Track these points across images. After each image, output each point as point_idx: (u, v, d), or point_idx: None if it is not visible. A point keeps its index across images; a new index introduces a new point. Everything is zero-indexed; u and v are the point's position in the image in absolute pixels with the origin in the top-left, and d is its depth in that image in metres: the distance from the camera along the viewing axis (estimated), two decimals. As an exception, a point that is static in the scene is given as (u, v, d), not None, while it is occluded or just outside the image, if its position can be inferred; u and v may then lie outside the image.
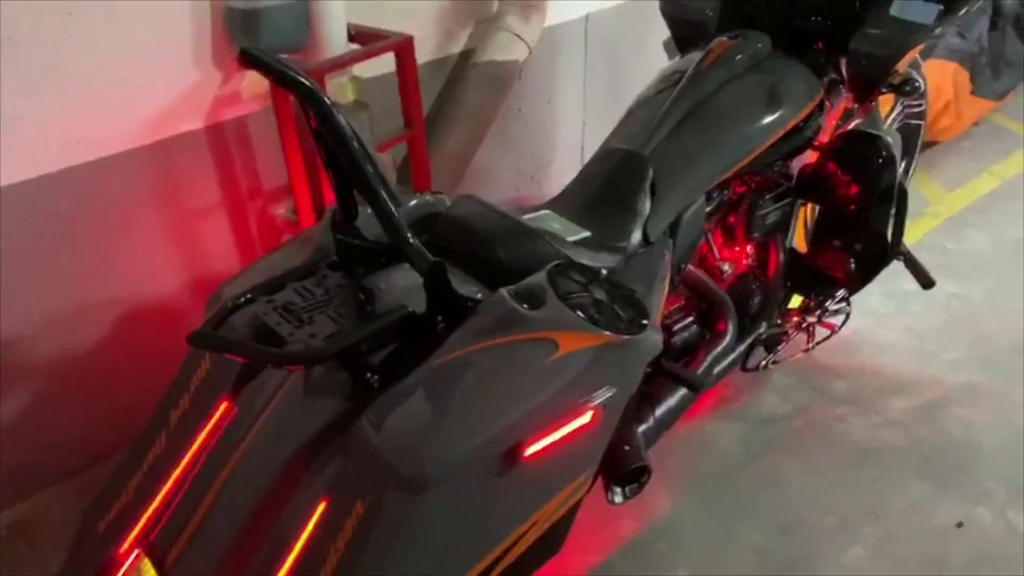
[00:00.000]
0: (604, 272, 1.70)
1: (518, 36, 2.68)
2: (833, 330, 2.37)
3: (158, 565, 1.55)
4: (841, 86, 2.21)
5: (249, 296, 1.62)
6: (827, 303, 2.36)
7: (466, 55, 2.75)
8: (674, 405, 2.00)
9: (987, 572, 1.90)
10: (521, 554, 1.58)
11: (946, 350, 2.60)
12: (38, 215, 2.00)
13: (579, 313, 1.50)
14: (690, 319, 2.15)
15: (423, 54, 2.58)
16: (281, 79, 1.44)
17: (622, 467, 1.82)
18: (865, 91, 2.14)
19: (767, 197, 2.17)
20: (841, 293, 2.36)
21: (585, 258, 1.73)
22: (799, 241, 2.48)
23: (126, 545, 1.66)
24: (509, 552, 1.55)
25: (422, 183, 2.43)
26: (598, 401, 1.53)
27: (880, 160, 2.15)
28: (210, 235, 2.34)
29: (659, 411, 1.98)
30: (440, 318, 1.56)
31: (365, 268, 1.70)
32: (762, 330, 2.28)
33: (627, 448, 1.85)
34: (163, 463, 1.72)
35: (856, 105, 2.22)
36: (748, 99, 2.07)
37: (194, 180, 2.26)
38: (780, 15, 2.25)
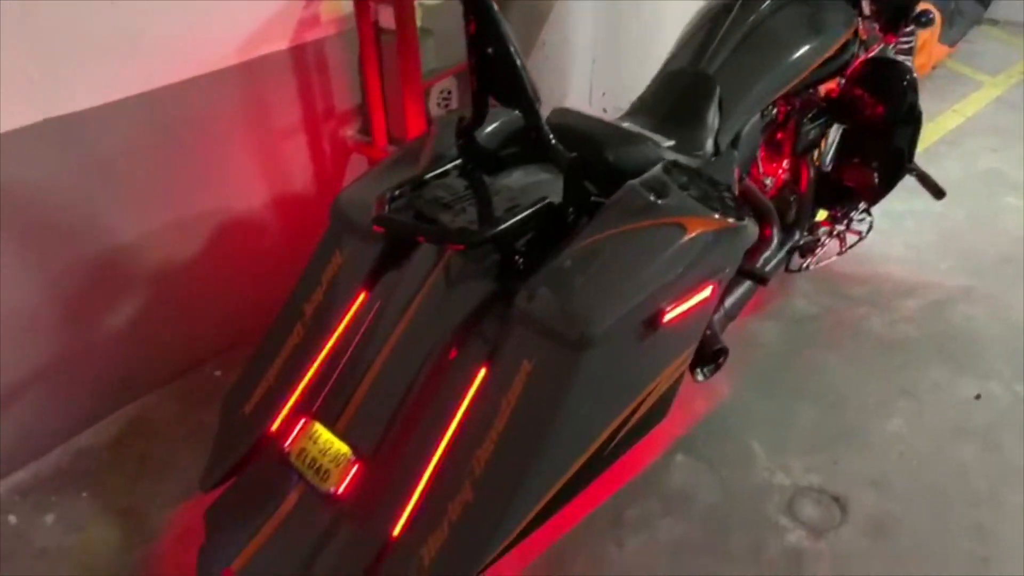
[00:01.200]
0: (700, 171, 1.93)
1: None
2: (861, 236, 2.65)
3: (331, 429, 1.70)
4: (870, 17, 2.48)
5: (401, 190, 1.76)
6: (851, 213, 2.64)
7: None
8: (740, 296, 2.25)
9: (1005, 432, 2.23)
10: (641, 416, 1.81)
11: (941, 260, 2.94)
12: (151, 126, 2.08)
13: (700, 202, 1.72)
14: None
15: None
16: None
17: (705, 349, 2.06)
18: (894, 21, 2.41)
19: (811, 115, 2.42)
20: (862, 205, 2.65)
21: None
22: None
23: (278, 422, 1.81)
24: (637, 411, 1.77)
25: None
26: (716, 278, 1.76)
27: (904, 84, 2.43)
28: (288, 153, 2.45)
29: (728, 302, 2.22)
30: (572, 210, 1.76)
31: (488, 171, 1.87)
32: (798, 237, 2.55)
33: (708, 332, 2.09)
34: (305, 349, 1.87)
35: (882, 34, 2.49)
36: (796, 26, 2.31)
37: (275, 100, 2.36)
38: None
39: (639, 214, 1.70)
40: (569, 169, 1.72)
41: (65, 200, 1.98)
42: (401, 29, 2.25)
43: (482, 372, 1.65)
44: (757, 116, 2.26)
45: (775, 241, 2.40)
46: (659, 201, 1.70)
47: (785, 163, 2.56)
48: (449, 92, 2.61)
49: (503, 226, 1.63)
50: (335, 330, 1.86)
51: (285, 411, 1.83)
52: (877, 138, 2.54)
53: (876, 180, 2.58)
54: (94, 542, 1.92)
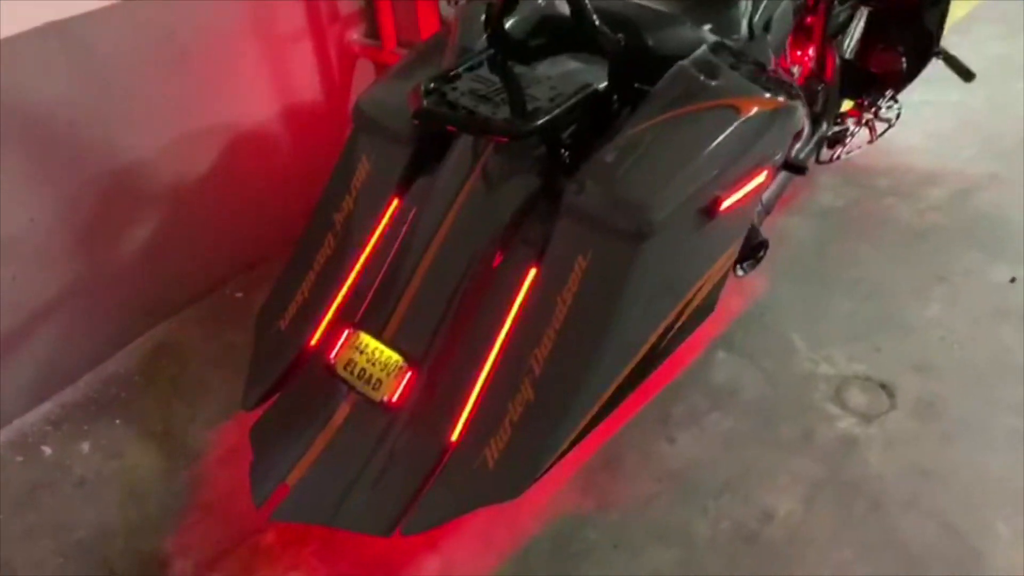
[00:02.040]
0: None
1: None
2: (890, 124, 2.59)
3: (378, 337, 1.64)
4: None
5: (435, 84, 1.66)
6: (879, 101, 2.57)
7: None
8: (777, 189, 2.19)
9: (1043, 313, 2.22)
10: (693, 310, 1.77)
11: (962, 148, 2.89)
12: (154, 31, 1.95)
13: (751, 82, 1.64)
14: None
15: None
16: None
17: (745, 243, 2.01)
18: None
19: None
20: (889, 92, 2.57)
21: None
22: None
23: (317, 335, 1.75)
24: (690, 304, 1.73)
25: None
26: (770, 162, 1.70)
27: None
28: (294, 60, 2.33)
29: (766, 195, 2.16)
30: (616, 98, 1.68)
31: (520, 61, 1.77)
32: (825, 128, 2.49)
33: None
34: (338, 261, 1.80)
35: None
36: None
37: (278, 3, 2.21)
38: None
39: (690, 97, 1.62)
40: (616, 52, 1.63)
41: (71, 114, 1.86)
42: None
43: (532, 272, 1.60)
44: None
45: (805, 132, 2.33)
46: (711, 82, 1.62)
47: (810, 51, 2.47)
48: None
49: (552, 114, 1.55)
50: (369, 239, 1.79)
51: (324, 324, 1.77)
52: (904, 21, 2.45)
53: (903, 65, 2.50)
54: (136, 467, 1.87)
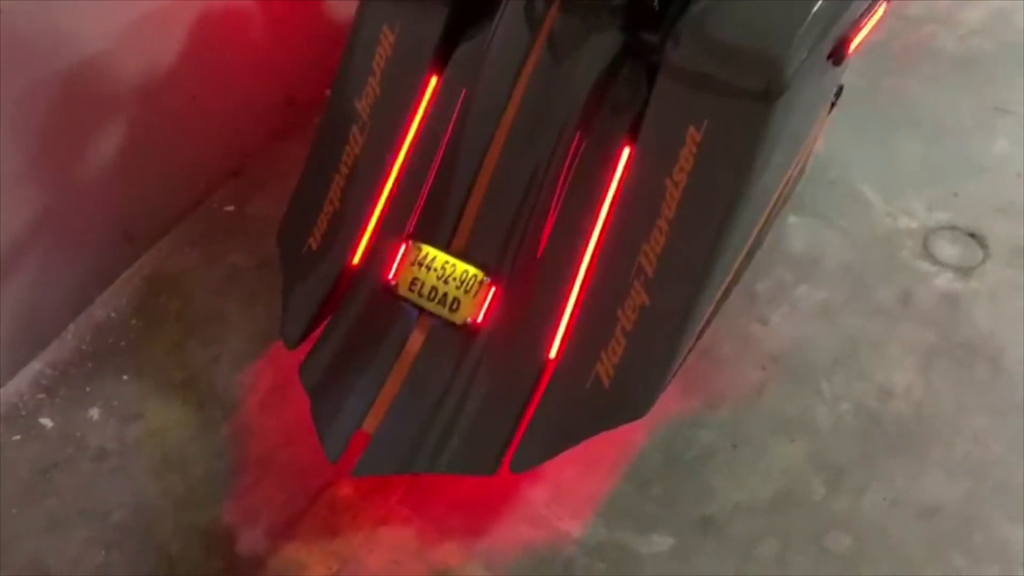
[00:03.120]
0: None
1: None
2: None
3: (447, 250, 1.37)
4: None
5: None
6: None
7: None
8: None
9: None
10: (800, 167, 1.54)
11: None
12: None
13: None
14: None
15: None
16: None
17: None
18: None
19: None
20: None
21: None
22: None
23: (360, 251, 1.47)
24: (801, 159, 1.51)
25: None
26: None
27: None
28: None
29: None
30: None
31: None
32: None
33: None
34: (372, 159, 1.50)
35: None
36: None
37: None
38: None
39: None
40: None
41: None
42: None
43: (626, 151, 1.33)
44: None
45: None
46: None
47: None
48: None
49: None
50: (407, 129, 1.48)
51: (367, 237, 1.48)
52: None
53: None
54: (163, 428, 1.57)
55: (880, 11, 1.41)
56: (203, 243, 1.89)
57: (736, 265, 1.41)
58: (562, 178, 1.38)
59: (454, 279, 1.37)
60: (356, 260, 1.48)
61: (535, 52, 1.37)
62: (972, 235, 1.86)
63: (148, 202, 1.84)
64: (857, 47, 1.38)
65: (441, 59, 1.47)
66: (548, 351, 1.36)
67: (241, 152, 2.00)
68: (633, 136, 1.33)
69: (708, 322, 1.43)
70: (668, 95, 1.30)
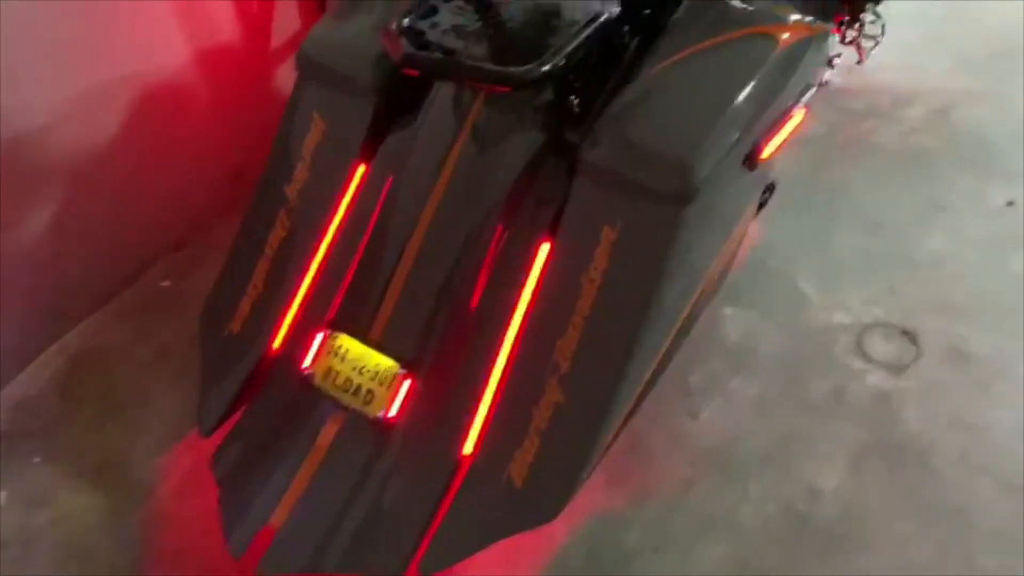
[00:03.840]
0: None
1: None
2: (877, 40, 2.39)
3: (364, 340, 1.35)
4: None
5: (412, 19, 1.34)
6: (860, 16, 2.37)
7: None
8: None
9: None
10: (722, 268, 1.55)
11: (934, 62, 2.73)
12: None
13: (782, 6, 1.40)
14: None
15: None
16: None
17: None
18: None
19: None
20: (869, 5, 2.37)
21: None
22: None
23: (279, 339, 1.44)
24: (722, 260, 1.51)
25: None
26: (807, 97, 1.47)
27: None
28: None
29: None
30: (627, 30, 1.40)
31: None
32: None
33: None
34: (296, 243, 1.49)
35: None
36: None
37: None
38: None
39: (719, 25, 1.37)
40: None
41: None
42: None
43: (544, 248, 1.33)
44: None
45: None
46: (740, 8, 1.36)
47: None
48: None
49: (565, 53, 1.26)
50: (332, 216, 1.48)
51: (287, 323, 1.46)
52: None
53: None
54: (70, 516, 1.52)
55: (798, 117, 1.44)
56: (135, 319, 1.86)
57: (656, 361, 1.40)
58: (483, 272, 1.37)
59: (368, 371, 1.35)
60: (276, 346, 1.46)
61: (458, 146, 1.38)
62: (905, 332, 1.87)
63: (80, 277, 1.81)
64: (773, 153, 1.40)
65: (369, 148, 1.48)
66: (462, 448, 1.33)
67: (185, 226, 2.00)
68: (553, 232, 1.33)
69: (630, 415, 1.41)
70: (585, 194, 1.31)
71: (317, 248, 1.47)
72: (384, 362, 1.34)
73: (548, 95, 1.36)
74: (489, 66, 1.24)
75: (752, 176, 1.44)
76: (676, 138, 1.26)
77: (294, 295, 1.47)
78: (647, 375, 1.38)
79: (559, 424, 1.28)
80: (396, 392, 1.33)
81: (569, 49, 1.26)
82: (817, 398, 1.74)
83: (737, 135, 1.30)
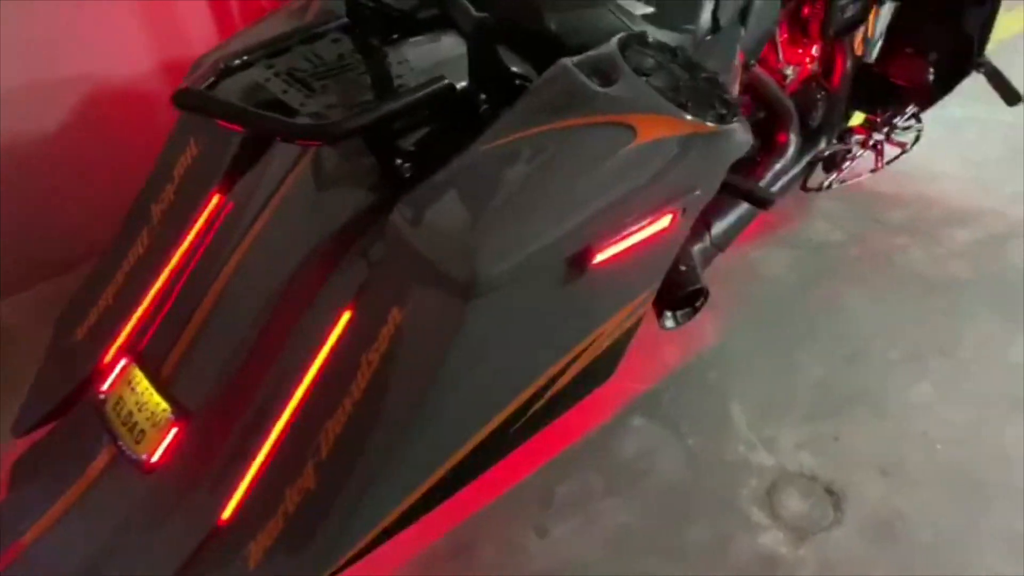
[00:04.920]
0: (685, 51, 1.40)
1: None
2: (904, 149, 2.09)
3: (152, 376, 1.29)
4: None
5: (246, 58, 1.28)
6: (896, 119, 2.07)
7: None
8: (734, 222, 1.75)
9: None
10: (576, 375, 1.36)
11: (1006, 183, 2.36)
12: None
13: (662, 94, 1.21)
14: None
15: None
16: None
17: (676, 289, 1.59)
18: None
19: None
20: (911, 109, 2.07)
21: (659, 35, 1.41)
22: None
23: (111, 354, 1.40)
24: (566, 371, 1.33)
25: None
26: (679, 203, 1.26)
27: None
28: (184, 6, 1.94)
29: (716, 229, 1.72)
30: (484, 96, 1.27)
31: (382, 37, 1.36)
32: (823, 146, 2.01)
33: (682, 268, 1.61)
34: (147, 263, 1.45)
35: None
36: None
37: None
38: None
39: (568, 107, 1.19)
40: (476, 35, 1.21)
41: None
42: None
43: (346, 316, 1.21)
44: None
45: (791, 150, 1.87)
46: (602, 89, 1.19)
47: (814, 49, 1.98)
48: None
49: (374, 116, 1.15)
50: (180, 243, 1.43)
51: (120, 341, 1.42)
52: (939, 22, 1.95)
53: (931, 77, 2.00)
54: None
55: (661, 223, 1.23)
56: (41, 311, 1.88)
57: (442, 465, 1.24)
58: (284, 329, 1.28)
59: (147, 409, 1.28)
60: (106, 363, 1.43)
61: (281, 193, 1.30)
62: (830, 492, 1.57)
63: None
64: (618, 258, 1.20)
65: (231, 180, 1.42)
66: (223, 511, 1.23)
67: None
68: (357, 301, 1.22)
69: (403, 523, 1.26)
70: (386, 267, 1.18)
71: (160, 272, 1.43)
72: (161, 403, 1.27)
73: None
74: (263, 114, 1.14)
75: (606, 278, 1.25)
76: (475, 224, 1.11)
77: (130, 316, 1.44)
78: (425, 479, 1.23)
79: (304, 512, 1.15)
80: (163, 438, 1.25)
81: (380, 112, 1.15)
82: (693, 545, 1.49)
83: (557, 233, 1.13)
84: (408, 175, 1.23)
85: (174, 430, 1.25)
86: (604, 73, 1.21)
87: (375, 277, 1.19)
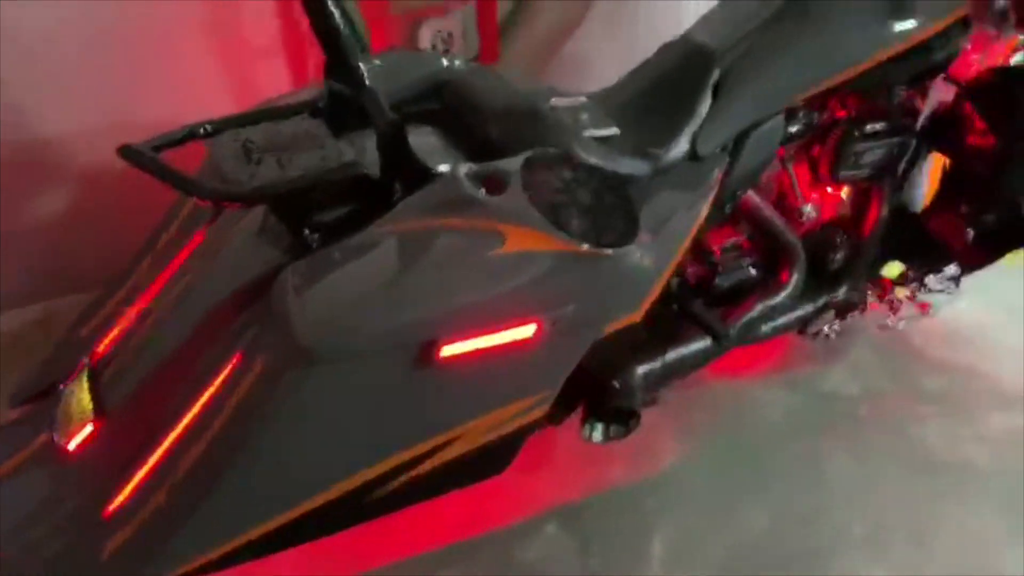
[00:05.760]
0: (615, 175, 1.44)
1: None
2: (925, 311, 1.93)
3: (92, 377, 1.50)
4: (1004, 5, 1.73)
5: (213, 126, 1.48)
6: (929, 277, 1.92)
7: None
8: (690, 353, 1.71)
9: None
10: (446, 464, 1.40)
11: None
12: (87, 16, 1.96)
13: (542, 210, 1.26)
14: (747, 260, 1.81)
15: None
16: None
17: (605, 402, 1.58)
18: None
19: (869, 129, 1.75)
20: (952, 270, 1.91)
21: (598, 156, 1.46)
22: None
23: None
24: (427, 458, 1.37)
25: (489, 53, 2.18)
26: (546, 314, 1.29)
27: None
28: (265, 79, 2.23)
29: (671, 355, 1.69)
30: (398, 186, 1.38)
31: (355, 123, 1.51)
32: (839, 293, 1.90)
33: (616, 384, 1.60)
34: (142, 282, 1.67)
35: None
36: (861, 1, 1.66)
37: (251, 11, 2.15)
38: None
39: (449, 208, 1.29)
40: (382, 135, 1.34)
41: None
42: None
43: (234, 360, 1.35)
44: (780, 116, 1.66)
45: (789, 290, 1.80)
46: (482, 196, 1.27)
47: (842, 191, 1.90)
48: (450, 34, 2.22)
49: (268, 189, 1.30)
50: (168, 270, 1.64)
51: (103, 345, 1.66)
52: (983, 179, 1.80)
53: (968, 237, 1.84)
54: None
55: (527, 331, 1.25)
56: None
57: (272, 518, 1.31)
58: (193, 360, 1.43)
59: (80, 405, 1.48)
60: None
61: (221, 238, 1.48)
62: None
63: (63, 267, 2.20)
64: (470, 356, 1.24)
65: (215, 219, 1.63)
66: (109, 506, 1.36)
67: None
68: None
69: (233, 557, 1.33)
70: (263, 322, 1.31)
71: (146, 291, 1.65)
72: (87, 398, 1.46)
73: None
74: (177, 175, 1.31)
75: (468, 375, 1.29)
76: (328, 298, 1.22)
77: (118, 325, 1.67)
78: (246, 526, 1.31)
79: (149, 525, 1.29)
80: (79, 430, 1.44)
81: (282, 186, 1.30)
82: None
83: (404, 319, 1.21)
84: (315, 246, 1.36)
85: (90, 427, 1.43)
86: (495, 183, 1.29)
87: (259, 330, 1.32)
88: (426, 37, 2.19)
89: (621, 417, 1.60)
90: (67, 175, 2.10)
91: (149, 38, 2.04)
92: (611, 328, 1.47)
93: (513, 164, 1.31)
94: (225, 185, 1.34)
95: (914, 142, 1.85)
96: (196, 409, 1.34)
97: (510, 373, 1.34)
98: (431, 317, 1.22)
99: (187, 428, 1.33)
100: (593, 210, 1.32)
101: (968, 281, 1.99)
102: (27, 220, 2.12)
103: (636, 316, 1.50)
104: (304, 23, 2.18)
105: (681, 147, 1.56)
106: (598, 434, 1.61)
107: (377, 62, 1.55)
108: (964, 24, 1.69)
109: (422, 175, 1.37)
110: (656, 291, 1.53)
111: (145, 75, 2.07)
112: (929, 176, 1.97)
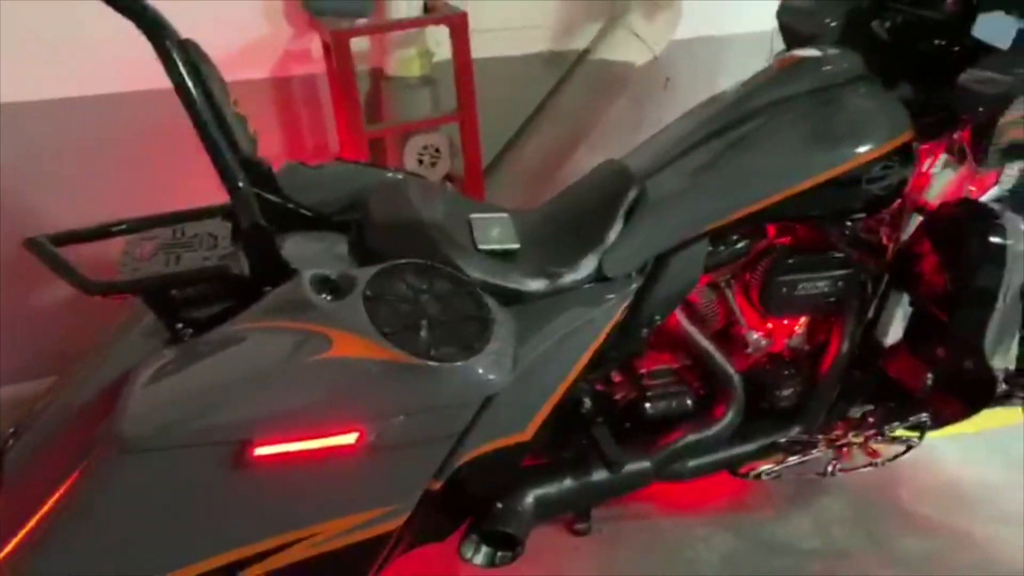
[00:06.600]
0: (504, 289, 1.46)
1: (637, 36, 2.37)
2: (873, 462, 1.73)
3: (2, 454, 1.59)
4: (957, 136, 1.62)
5: (128, 224, 1.58)
6: (888, 425, 1.73)
7: (586, 52, 2.50)
8: (589, 481, 1.62)
9: None
10: (289, 567, 1.38)
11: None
12: (101, 129, 2.19)
13: (378, 318, 1.27)
14: (677, 388, 1.72)
15: (539, 43, 2.43)
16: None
17: (485, 524, 1.53)
18: (979, 145, 1.54)
19: (801, 261, 1.64)
20: (918, 417, 1.71)
21: (482, 271, 1.47)
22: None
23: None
24: (268, 557, 1.36)
25: (472, 169, 2.24)
26: (368, 423, 1.28)
27: (980, 242, 1.53)
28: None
29: (569, 480, 1.62)
30: (269, 286, 1.43)
31: (281, 227, 1.59)
32: (793, 433, 1.76)
33: (499, 506, 1.54)
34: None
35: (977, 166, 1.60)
36: (796, 125, 1.60)
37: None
38: (903, 37, 1.71)
39: (286, 310, 1.34)
40: (247, 236, 1.40)
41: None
42: (337, 68, 2.07)
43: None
44: (704, 240, 1.60)
45: (722, 425, 1.70)
46: (315, 300, 1.30)
47: (801, 323, 1.78)
48: (437, 149, 2.30)
49: (132, 281, 1.38)
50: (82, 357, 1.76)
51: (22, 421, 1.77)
52: (940, 319, 1.63)
53: (927, 382, 1.65)
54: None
55: (349, 439, 1.23)
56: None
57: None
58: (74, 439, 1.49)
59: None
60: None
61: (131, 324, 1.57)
62: None
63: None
64: (289, 458, 1.24)
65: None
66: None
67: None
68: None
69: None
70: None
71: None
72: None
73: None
74: (64, 266, 1.41)
75: (278, 480, 1.28)
76: (152, 391, 1.26)
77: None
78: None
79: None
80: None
81: (145, 280, 1.38)
82: None
83: (217, 418, 1.23)
84: (186, 339, 1.42)
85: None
86: (339, 289, 1.32)
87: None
88: (412, 152, 2.29)
89: (509, 542, 1.53)
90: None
91: (153, 150, 2.23)
92: (492, 447, 1.43)
93: (367, 272, 1.34)
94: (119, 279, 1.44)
95: (874, 277, 1.73)
96: (60, 491, 1.40)
97: (339, 481, 1.32)
98: (244, 416, 1.24)
99: (50, 509, 1.39)
100: (439, 323, 1.31)
101: (988, 435, 1.78)
102: (30, 305, 2.34)
103: (523, 436, 1.46)
104: (304, 139, 2.39)
105: (586, 268, 1.53)
106: (480, 558, 1.56)
107: (311, 172, 1.65)
108: (908, 150, 1.59)
109: (289, 277, 1.42)
110: (545, 411, 1.48)
111: (151, 183, 2.27)
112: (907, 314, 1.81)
